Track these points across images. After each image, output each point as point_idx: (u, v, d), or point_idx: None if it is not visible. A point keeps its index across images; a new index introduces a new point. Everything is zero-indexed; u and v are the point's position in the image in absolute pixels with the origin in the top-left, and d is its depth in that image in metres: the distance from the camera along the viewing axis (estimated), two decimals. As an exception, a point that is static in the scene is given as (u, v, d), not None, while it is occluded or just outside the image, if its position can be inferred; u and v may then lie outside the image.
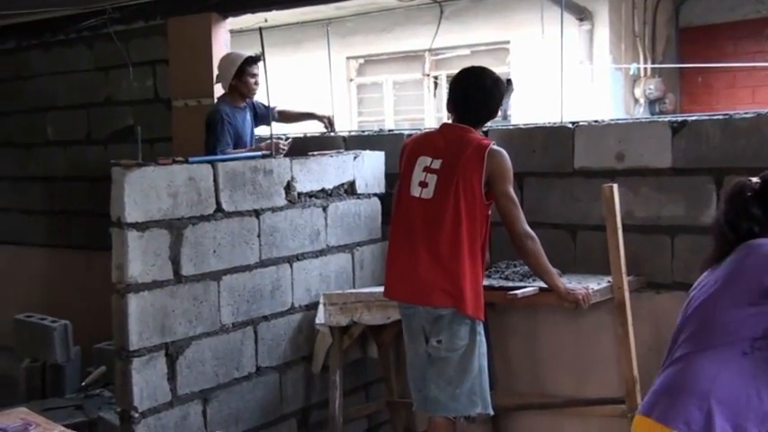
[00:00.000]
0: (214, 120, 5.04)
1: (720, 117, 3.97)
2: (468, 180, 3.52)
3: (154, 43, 5.99)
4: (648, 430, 2.59)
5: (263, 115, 5.22)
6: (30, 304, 6.24)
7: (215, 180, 3.84)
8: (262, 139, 5.23)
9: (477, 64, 3.89)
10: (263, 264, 4.10)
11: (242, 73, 5.10)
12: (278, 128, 5.60)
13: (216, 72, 5.28)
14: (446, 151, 3.61)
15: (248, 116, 5.23)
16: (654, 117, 5.73)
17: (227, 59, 5.15)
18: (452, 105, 3.76)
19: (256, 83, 5.16)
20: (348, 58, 9.91)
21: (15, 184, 7.09)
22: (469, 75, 3.75)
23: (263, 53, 4.69)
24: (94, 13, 6.03)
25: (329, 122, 5.39)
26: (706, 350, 2.54)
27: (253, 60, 5.10)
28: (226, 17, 5.71)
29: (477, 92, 3.69)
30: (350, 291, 4.39)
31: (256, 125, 5.31)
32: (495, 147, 3.59)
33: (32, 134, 6.90)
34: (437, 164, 3.61)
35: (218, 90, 5.52)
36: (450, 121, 3.81)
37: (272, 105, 5.26)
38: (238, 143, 5.11)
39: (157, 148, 5.78)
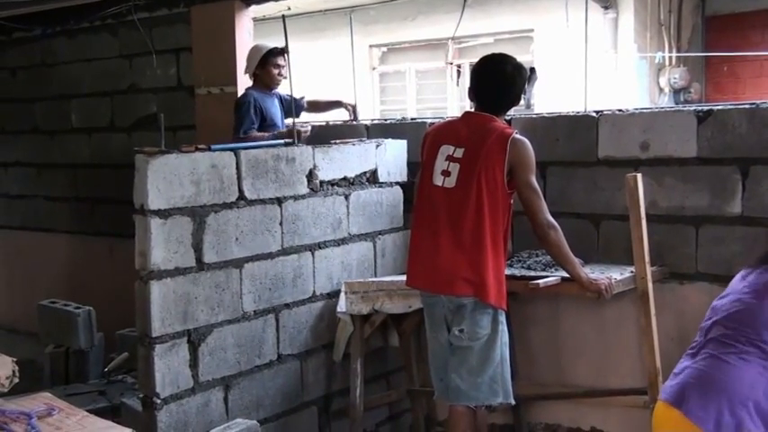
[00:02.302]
0: (240, 102, 5.16)
1: (747, 106, 3.92)
2: (491, 169, 3.51)
3: (177, 31, 6.01)
4: (675, 423, 2.55)
5: (289, 106, 5.24)
6: (53, 290, 6.30)
7: (237, 168, 3.85)
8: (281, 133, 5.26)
9: (505, 54, 3.86)
10: (284, 252, 4.11)
11: (265, 63, 5.18)
12: (306, 117, 5.61)
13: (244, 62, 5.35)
14: (468, 140, 3.59)
15: (277, 102, 5.28)
16: (679, 106, 5.67)
17: (253, 49, 5.25)
18: (474, 93, 3.74)
19: (280, 74, 5.23)
20: (371, 46, 9.89)
21: (40, 170, 7.14)
22: (490, 62, 3.73)
23: (285, 41, 4.69)
24: (119, 1, 6.05)
25: (353, 110, 5.41)
26: (747, 356, 2.49)
27: (277, 51, 5.17)
28: (249, 5, 5.71)
29: (498, 79, 3.67)
30: (371, 279, 4.39)
31: (285, 116, 5.33)
32: (518, 135, 3.57)
33: (57, 121, 6.95)
34: (459, 152, 3.59)
35: (245, 79, 5.56)
36: (472, 110, 3.79)
37: (300, 96, 5.30)
38: (271, 125, 5.17)
39: (180, 136, 5.80)
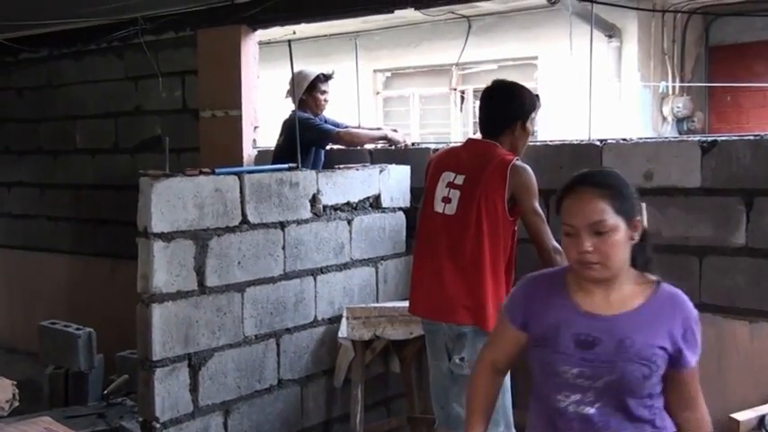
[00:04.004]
0: (304, 119, 4.86)
1: (752, 137, 3.92)
2: (491, 196, 3.49)
3: (183, 54, 6.04)
4: None
5: None
6: (54, 311, 6.28)
7: (241, 192, 3.86)
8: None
9: (505, 78, 3.87)
10: (287, 276, 4.10)
11: (313, 88, 5.17)
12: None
13: (287, 87, 5.25)
14: (469, 167, 3.59)
15: None
16: (683, 136, 5.68)
17: (299, 75, 5.14)
18: (480, 119, 3.74)
19: (326, 100, 5.24)
20: (375, 71, 9.93)
21: (43, 190, 7.15)
22: (494, 89, 3.73)
23: (291, 66, 4.70)
24: (126, 24, 6.08)
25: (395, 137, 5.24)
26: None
27: (325, 77, 5.19)
28: (255, 30, 5.73)
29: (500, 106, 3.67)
30: (373, 305, 4.37)
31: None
32: (518, 162, 3.55)
33: (61, 142, 6.97)
34: (460, 179, 3.58)
35: (247, 101, 5.56)
36: (475, 136, 3.80)
37: (343, 124, 5.29)
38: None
39: (184, 159, 5.81)
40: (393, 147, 5.05)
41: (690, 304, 2.23)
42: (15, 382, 3.17)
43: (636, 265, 2.26)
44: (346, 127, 5.36)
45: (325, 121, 5.28)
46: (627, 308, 2.21)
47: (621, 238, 2.17)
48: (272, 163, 5.03)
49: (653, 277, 2.26)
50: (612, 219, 2.16)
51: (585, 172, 2.28)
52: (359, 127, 5.41)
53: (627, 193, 2.22)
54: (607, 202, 2.16)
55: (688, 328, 2.19)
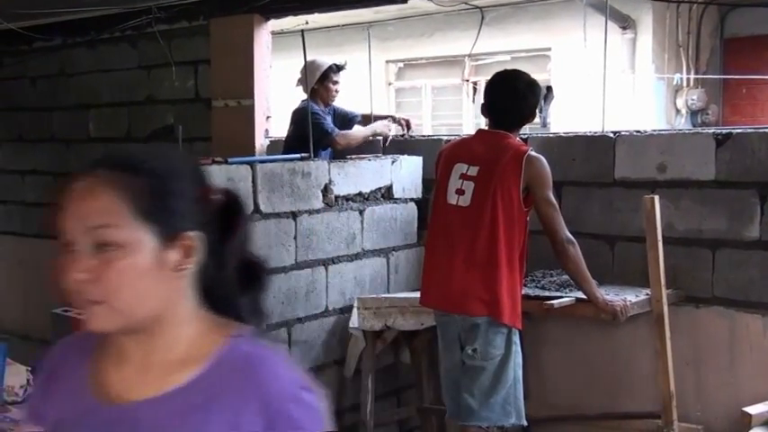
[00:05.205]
0: (313, 112, 4.87)
1: (767, 130, 3.90)
2: (506, 187, 3.49)
3: (196, 43, 6.03)
4: None
5: (343, 121, 5.24)
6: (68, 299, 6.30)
7: (253, 181, 3.86)
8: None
9: (515, 69, 3.86)
10: (298, 266, 4.10)
11: (325, 78, 5.16)
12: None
13: (298, 76, 5.24)
14: (483, 158, 3.58)
15: (330, 119, 5.24)
16: (697, 129, 5.65)
17: (312, 64, 5.11)
18: (487, 110, 3.74)
19: (337, 90, 5.25)
20: (387, 61, 9.90)
21: (56, 179, 7.17)
22: (503, 78, 3.73)
23: (304, 56, 4.70)
24: (139, 13, 6.08)
25: (406, 125, 5.30)
26: None
27: (337, 68, 5.19)
28: (268, 19, 5.72)
29: (510, 95, 3.66)
30: (384, 295, 4.38)
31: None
32: (533, 153, 3.56)
33: (74, 130, 6.98)
34: (474, 171, 3.58)
35: (260, 91, 5.55)
36: (486, 127, 3.79)
37: (353, 112, 5.29)
38: None
39: (197, 148, 5.81)
40: (385, 142, 5.05)
41: (280, 369, 1.30)
42: (30, 368, 3.18)
43: (229, 312, 1.35)
44: (354, 116, 5.37)
45: (335, 111, 5.28)
46: (164, 387, 1.28)
47: (143, 263, 1.25)
48: (282, 153, 5.04)
49: (238, 329, 1.33)
50: (127, 227, 1.25)
51: (116, 150, 1.42)
52: (371, 115, 5.41)
53: (171, 189, 1.30)
54: (123, 196, 1.26)
55: (275, 413, 1.26)
